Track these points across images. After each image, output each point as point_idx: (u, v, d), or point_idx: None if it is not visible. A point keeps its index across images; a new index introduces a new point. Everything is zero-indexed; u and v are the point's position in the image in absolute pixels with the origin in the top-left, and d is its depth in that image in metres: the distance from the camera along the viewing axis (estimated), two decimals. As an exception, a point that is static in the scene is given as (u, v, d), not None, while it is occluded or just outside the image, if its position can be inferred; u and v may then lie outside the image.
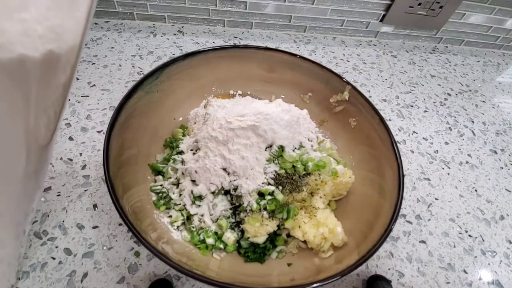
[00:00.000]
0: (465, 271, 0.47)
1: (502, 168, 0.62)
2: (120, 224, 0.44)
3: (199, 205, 0.43)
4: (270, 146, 0.43)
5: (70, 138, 0.52)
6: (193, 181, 0.44)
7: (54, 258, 0.41)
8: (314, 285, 0.33)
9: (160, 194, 0.44)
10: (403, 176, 0.41)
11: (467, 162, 0.61)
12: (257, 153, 0.42)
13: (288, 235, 0.44)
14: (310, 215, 0.43)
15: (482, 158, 0.63)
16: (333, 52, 0.79)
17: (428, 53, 0.86)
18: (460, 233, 0.51)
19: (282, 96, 0.57)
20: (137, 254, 0.42)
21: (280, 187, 0.42)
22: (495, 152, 0.64)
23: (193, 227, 0.42)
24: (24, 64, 0.19)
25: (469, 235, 0.51)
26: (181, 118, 0.53)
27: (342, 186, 0.46)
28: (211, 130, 0.43)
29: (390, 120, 0.66)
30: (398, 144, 0.44)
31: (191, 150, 0.46)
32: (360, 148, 0.50)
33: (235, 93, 0.57)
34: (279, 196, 0.42)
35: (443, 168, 0.60)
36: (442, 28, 0.84)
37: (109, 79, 0.62)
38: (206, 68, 0.54)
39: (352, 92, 0.51)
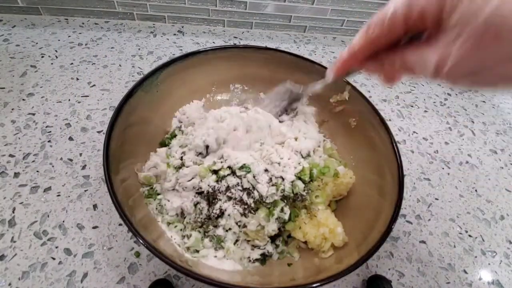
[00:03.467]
0: (465, 271, 0.47)
1: (502, 168, 0.62)
2: (120, 224, 0.44)
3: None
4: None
5: (70, 138, 0.52)
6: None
7: (54, 258, 0.40)
8: (314, 285, 0.33)
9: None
10: (403, 176, 0.41)
11: (467, 162, 0.61)
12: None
13: (289, 236, 0.43)
14: (311, 216, 0.43)
15: (482, 158, 0.63)
16: (333, 52, 0.79)
17: (428, 53, 0.86)
18: (460, 233, 0.51)
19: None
20: (137, 254, 0.42)
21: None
22: (495, 152, 0.64)
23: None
24: None
25: (469, 235, 0.51)
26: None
27: (343, 186, 0.46)
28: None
29: (390, 120, 0.66)
30: (398, 144, 0.44)
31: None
32: (360, 148, 0.50)
33: (234, 88, 0.58)
34: (290, 226, 0.41)
35: (443, 168, 0.60)
36: (442, 28, 0.84)
37: (109, 79, 0.62)
38: (206, 68, 0.54)
39: (352, 92, 0.51)
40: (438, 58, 0.20)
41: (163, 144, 0.49)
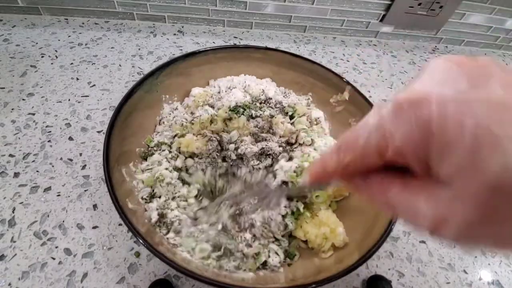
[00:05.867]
0: (465, 271, 0.47)
1: (502, 168, 0.62)
2: (120, 224, 0.44)
3: None
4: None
5: (70, 138, 0.52)
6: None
7: (54, 258, 0.40)
8: (314, 285, 0.33)
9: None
10: (403, 176, 0.41)
11: (467, 162, 0.61)
12: None
13: (290, 235, 0.43)
14: (312, 215, 0.43)
15: (482, 158, 0.63)
16: (333, 52, 0.79)
17: (428, 53, 0.86)
18: (460, 233, 0.51)
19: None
20: (137, 254, 0.42)
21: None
22: (495, 152, 0.64)
23: None
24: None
25: (469, 235, 0.51)
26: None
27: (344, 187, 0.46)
28: None
29: (390, 120, 0.66)
30: (398, 144, 0.44)
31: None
32: (360, 148, 0.50)
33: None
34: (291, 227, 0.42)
35: (443, 168, 0.60)
36: (442, 28, 0.84)
37: (109, 79, 0.62)
38: (206, 68, 0.54)
39: (352, 92, 0.51)
40: (436, 215, 0.16)
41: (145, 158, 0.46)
